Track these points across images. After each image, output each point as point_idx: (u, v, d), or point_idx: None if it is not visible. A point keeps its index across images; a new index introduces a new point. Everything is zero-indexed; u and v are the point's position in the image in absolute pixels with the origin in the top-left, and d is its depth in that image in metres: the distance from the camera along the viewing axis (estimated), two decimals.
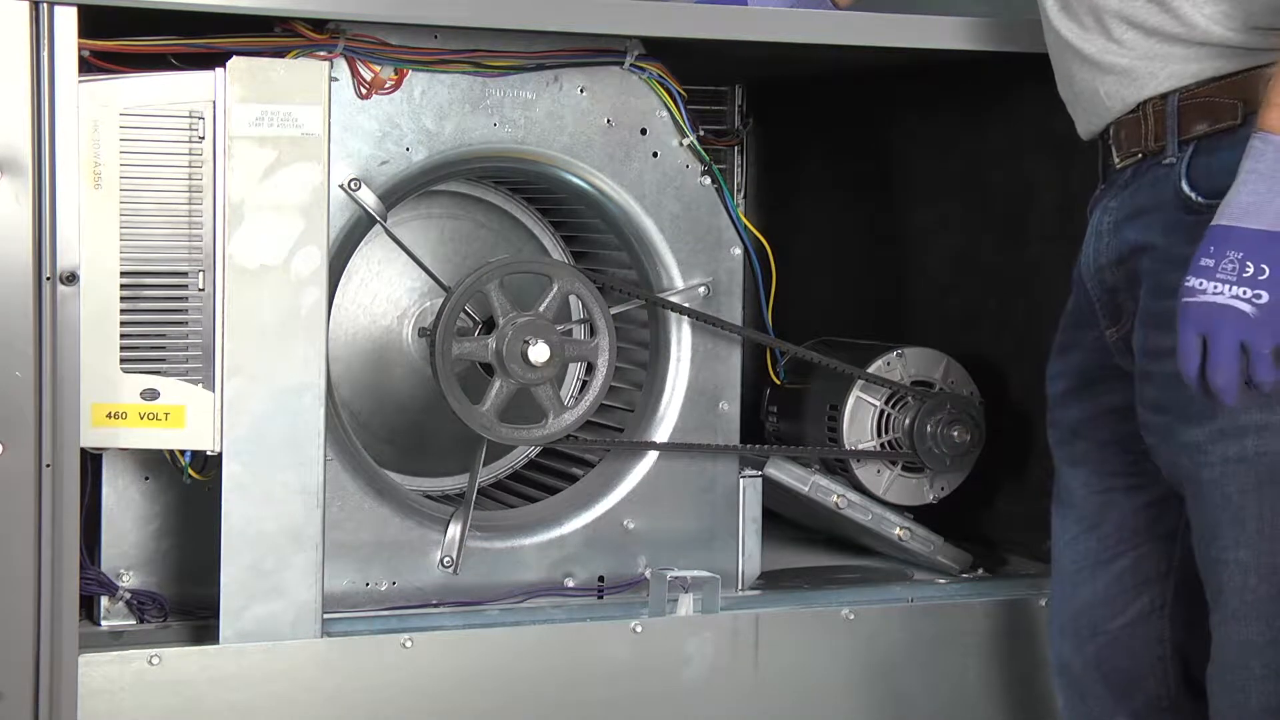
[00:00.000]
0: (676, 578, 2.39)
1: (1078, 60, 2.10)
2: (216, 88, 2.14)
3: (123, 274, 2.13)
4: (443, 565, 2.40)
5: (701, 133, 2.52)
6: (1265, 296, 1.82)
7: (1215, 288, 1.83)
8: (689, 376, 2.53)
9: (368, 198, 2.33)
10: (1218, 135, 1.98)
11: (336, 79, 2.26)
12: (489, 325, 2.41)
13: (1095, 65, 2.08)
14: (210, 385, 2.16)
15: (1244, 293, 1.83)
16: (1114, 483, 2.19)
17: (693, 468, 2.52)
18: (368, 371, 2.67)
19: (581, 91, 2.43)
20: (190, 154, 2.14)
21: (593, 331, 2.45)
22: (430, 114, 2.35)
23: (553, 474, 2.68)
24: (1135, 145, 2.06)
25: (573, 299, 2.49)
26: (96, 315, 2.11)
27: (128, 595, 2.28)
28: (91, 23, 2.08)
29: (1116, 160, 2.11)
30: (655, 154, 2.47)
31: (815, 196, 3.17)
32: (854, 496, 2.64)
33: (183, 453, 2.20)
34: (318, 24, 2.25)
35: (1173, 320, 1.89)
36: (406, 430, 2.70)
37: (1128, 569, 2.19)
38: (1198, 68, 1.99)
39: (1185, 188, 1.99)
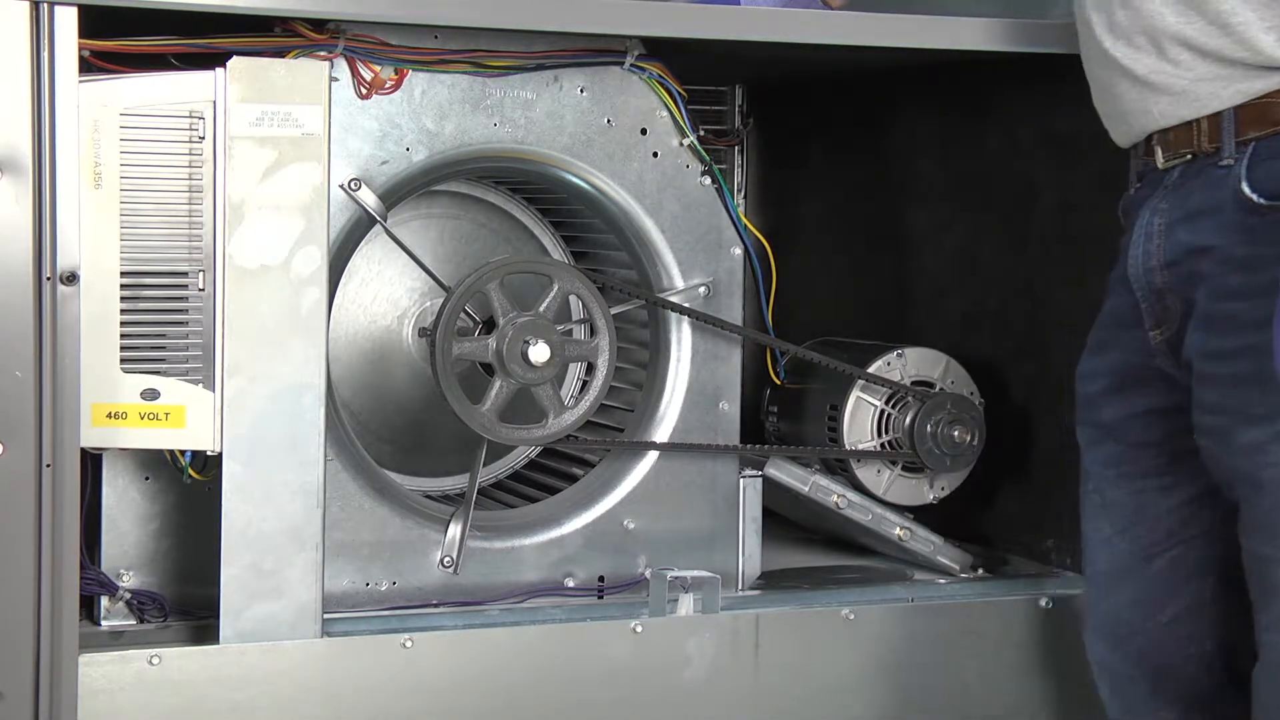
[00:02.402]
0: (677, 578, 2.39)
1: (1126, 79, 2.08)
2: (217, 88, 2.14)
3: (123, 274, 2.13)
4: (443, 565, 2.40)
5: (701, 133, 2.52)
6: None
7: None
8: (689, 376, 2.53)
9: (368, 198, 2.33)
10: (1278, 136, 1.97)
11: (336, 79, 2.26)
12: (489, 325, 2.41)
13: (1146, 85, 2.05)
14: (210, 385, 2.16)
15: None
16: (1147, 483, 2.18)
17: (693, 468, 2.53)
18: (368, 371, 2.68)
19: (581, 91, 2.43)
20: (190, 154, 2.14)
21: (593, 331, 2.45)
22: (430, 114, 2.36)
23: (553, 474, 2.69)
24: (1185, 146, 2.05)
25: (573, 299, 2.49)
26: (96, 315, 2.11)
27: (128, 595, 2.28)
28: (91, 23, 2.08)
29: (1161, 160, 2.09)
30: (655, 154, 2.48)
31: (815, 196, 3.18)
32: (854, 496, 2.64)
33: (183, 453, 2.20)
34: (318, 24, 2.25)
35: (1232, 322, 1.90)
36: (407, 430, 2.70)
37: (1165, 568, 2.18)
38: (1263, 84, 1.98)
39: (1246, 189, 1.98)
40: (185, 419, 2.16)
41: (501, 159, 2.43)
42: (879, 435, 2.69)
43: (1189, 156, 2.04)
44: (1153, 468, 2.17)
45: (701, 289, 2.51)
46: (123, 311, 2.13)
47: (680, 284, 2.51)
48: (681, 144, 2.49)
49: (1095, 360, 2.23)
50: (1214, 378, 2.02)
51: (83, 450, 2.11)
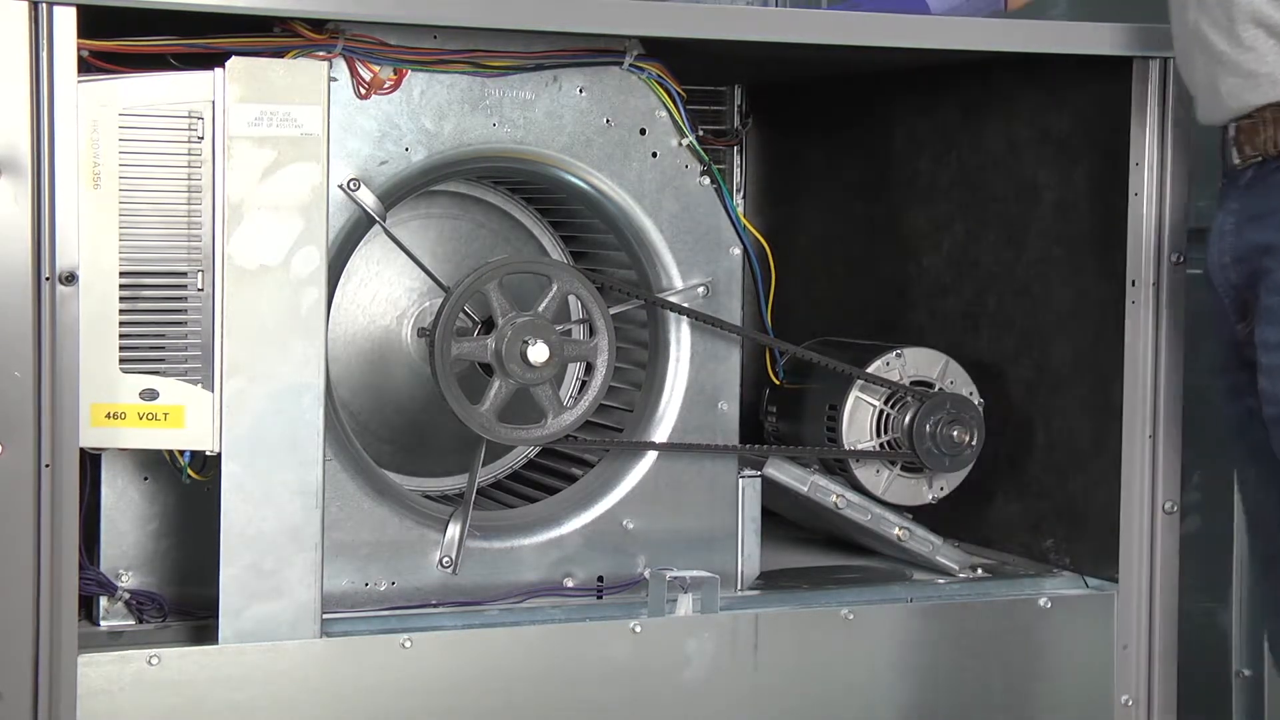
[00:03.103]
0: (676, 578, 2.39)
1: (1203, 52, 2.13)
2: (215, 88, 2.14)
3: (122, 274, 2.13)
4: (442, 565, 2.40)
5: (701, 133, 2.53)
6: None
7: None
8: (688, 376, 2.53)
9: (367, 198, 2.33)
10: None
11: (335, 79, 2.26)
12: (488, 325, 2.41)
13: (1219, 61, 2.09)
14: (209, 385, 2.16)
15: None
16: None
17: (692, 468, 2.53)
18: (367, 372, 2.68)
19: (580, 91, 2.43)
20: (189, 154, 2.15)
21: (592, 332, 2.46)
22: (429, 114, 2.36)
23: (552, 474, 2.69)
24: (1254, 149, 2.09)
25: (572, 299, 2.49)
26: (95, 315, 2.12)
27: (127, 595, 2.28)
28: (90, 23, 2.08)
29: (1236, 161, 2.14)
30: (654, 154, 2.48)
31: (815, 196, 3.18)
32: (853, 496, 2.64)
33: (182, 453, 2.20)
34: (317, 24, 2.25)
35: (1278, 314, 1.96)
36: (406, 430, 2.70)
37: None
38: None
39: None
40: (184, 419, 2.16)
41: (500, 159, 2.43)
42: (878, 435, 2.69)
43: (1259, 159, 2.09)
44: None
45: (700, 289, 2.51)
46: (122, 312, 2.14)
47: (679, 284, 2.51)
48: (681, 144, 2.49)
49: (1219, 356, 2.29)
50: (1268, 368, 2.08)
51: (82, 450, 2.12)
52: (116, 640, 2.23)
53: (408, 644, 2.25)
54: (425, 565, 2.40)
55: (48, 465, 2.07)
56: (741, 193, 3.24)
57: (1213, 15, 2.08)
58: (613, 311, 2.47)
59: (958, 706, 2.49)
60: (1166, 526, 2.52)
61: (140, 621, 2.28)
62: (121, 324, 2.14)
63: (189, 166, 2.15)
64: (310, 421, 2.19)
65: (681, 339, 2.54)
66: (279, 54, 2.22)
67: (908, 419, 2.66)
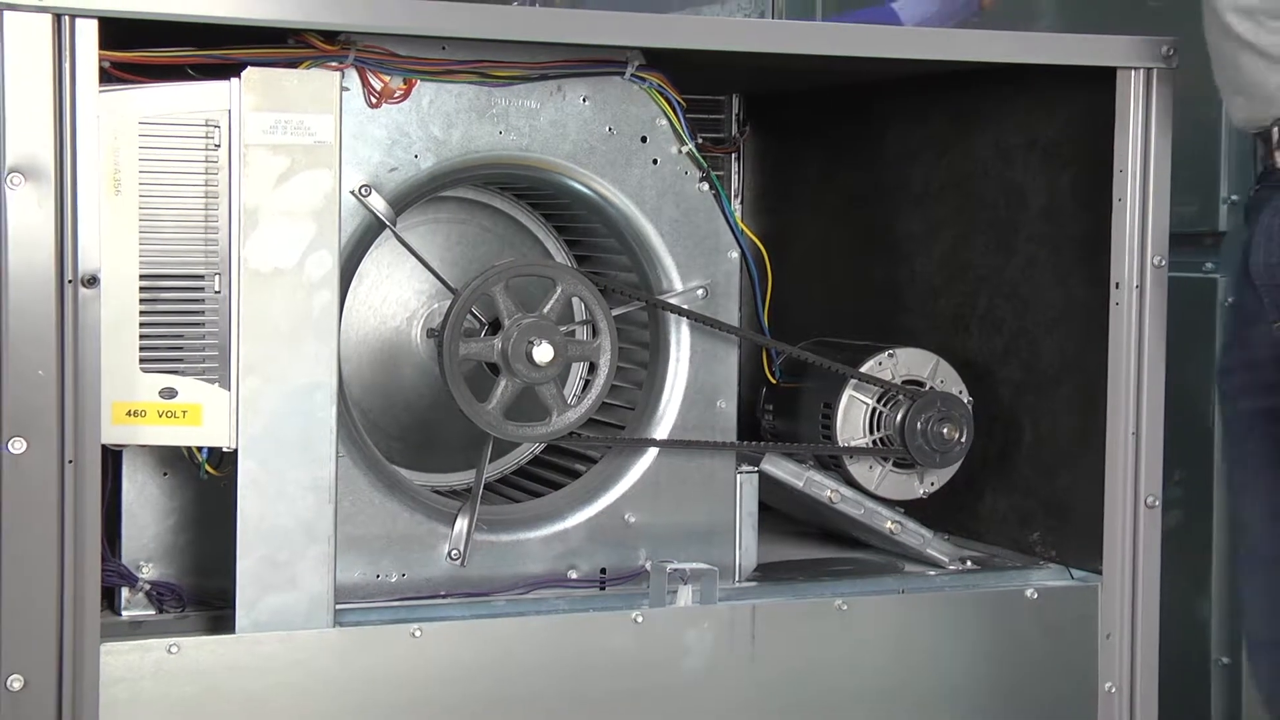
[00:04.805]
0: (676, 570, 2.41)
1: (1248, 53, 2.13)
2: (232, 97, 2.16)
3: (141, 277, 2.15)
4: (450, 558, 2.42)
5: (700, 140, 2.54)
6: None
7: None
8: (688, 376, 2.55)
9: (378, 203, 2.35)
10: None
11: (347, 89, 2.28)
12: (495, 326, 2.43)
13: (1271, 59, 2.09)
14: (226, 384, 2.18)
15: None
16: None
17: (691, 464, 2.54)
18: (378, 371, 2.69)
19: (584, 101, 2.45)
20: (206, 161, 2.16)
21: (595, 332, 2.47)
22: (438, 122, 2.38)
23: (556, 470, 2.70)
24: None
25: (576, 301, 2.51)
26: (116, 317, 2.13)
27: (147, 586, 2.29)
28: (111, 35, 2.10)
29: None
30: (655, 161, 2.49)
31: (810, 202, 3.18)
32: (847, 492, 2.65)
33: (200, 449, 2.22)
34: (329, 36, 2.27)
35: None
36: (415, 427, 2.71)
37: None
38: None
39: None
40: (202, 417, 2.18)
41: (507, 166, 2.45)
42: (871, 432, 2.70)
43: None
44: None
45: (700, 291, 2.53)
46: (142, 313, 2.15)
47: (679, 286, 2.53)
48: (680, 151, 2.50)
49: (1229, 357, 2.29)
50: None
51: (103, 447, 2.13)
52: (137, 630, 2.24)
53: (418, 633, 2.27)
54: (434, 558, 2.41)
55: (71, 461, 2.09)
56: (739, 198, 3.23)
57: (1256, 19, 2.09)
58: (615, 313, 2.48)
59: (947, 693, 2.51)
60: (1148, 520, 2.53)
61: (160, 611, 2.29)
62: (141, 325, 2.15)
63: (206, 173, 2.17)
64: (323, 419, 2.21)
65: (681, 339, 2.55)
66: (293, 65, 2.23)
67: (900, 417, 2.68)
